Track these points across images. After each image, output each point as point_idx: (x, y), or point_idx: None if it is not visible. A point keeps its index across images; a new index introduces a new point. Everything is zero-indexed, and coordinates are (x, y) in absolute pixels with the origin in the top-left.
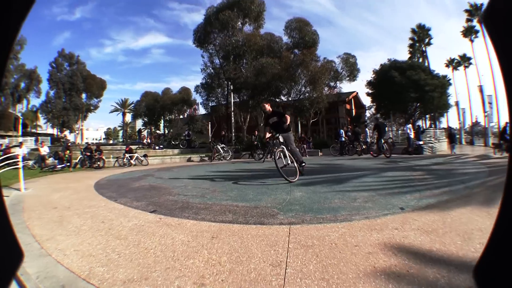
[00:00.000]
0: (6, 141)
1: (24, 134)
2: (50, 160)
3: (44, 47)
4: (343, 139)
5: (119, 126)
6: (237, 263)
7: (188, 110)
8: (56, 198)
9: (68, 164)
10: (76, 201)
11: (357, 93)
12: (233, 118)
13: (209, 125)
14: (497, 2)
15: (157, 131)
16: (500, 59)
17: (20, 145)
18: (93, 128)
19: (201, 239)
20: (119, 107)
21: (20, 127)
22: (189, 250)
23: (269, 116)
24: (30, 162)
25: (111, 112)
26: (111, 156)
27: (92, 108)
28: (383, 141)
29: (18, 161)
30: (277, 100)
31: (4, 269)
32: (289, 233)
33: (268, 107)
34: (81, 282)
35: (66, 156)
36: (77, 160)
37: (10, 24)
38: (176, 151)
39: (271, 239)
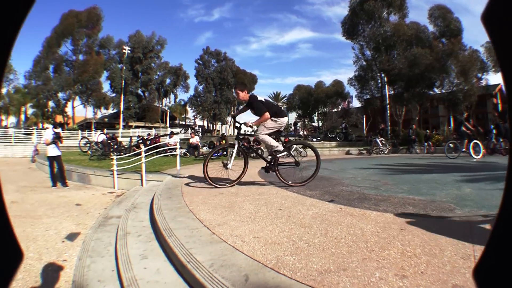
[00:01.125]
0: (153, 131)
1: (172, 125)
2: (204, 149)
3: (187, 47)
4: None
5: None
6: (431, 256)
7: (341, 103)
8: None
9: (225, 153)
10: (243, 187)
11: (501, 86)
12: (388, 111)
13: (364, 118)
14: (496, 1)
15: (312, 124)
16: (500, 59)
17: (170, 134)
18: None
19: (389, 230)
20: (271, 101)
21: (167, 119)
22: (381, 241)
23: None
24: (182, 151)
25: None
26: None
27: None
28: (501, 139)
29: (167, 149)
30: (431, 92)
31: (4, 269)
32: (470, 228)
33: (242, 95)
34: (268, 271)
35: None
36: None
37: (10, 24)
38: (333, 143)
39: (456, 232)
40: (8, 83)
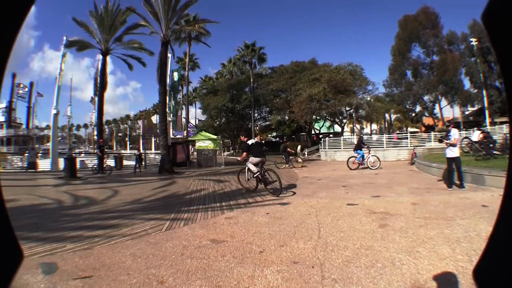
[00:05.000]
0: None
1: None
2: None
3: None
4: None
5: None
6: None
7: None
8: None
9: None
10: None
11: None
12: None
13: None
14: (496, 1)
15: None
16: (500, 59)
17: None
18: None
19: None
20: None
21: None
22: None
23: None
24: None
25: None
26: None
27: None
28: None
29: None
30: None
31: (3, 270)
32: None
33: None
34: None
35: None
36: None
37: (10, 24)
38: None
39: None
40: (367, 94)
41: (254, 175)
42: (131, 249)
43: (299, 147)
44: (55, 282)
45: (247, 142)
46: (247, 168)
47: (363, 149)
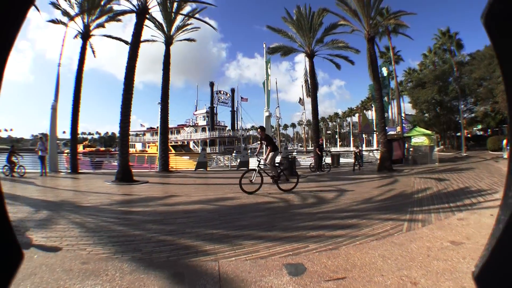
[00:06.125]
0: None
1: None
2: None
3: None
4: None
5: None
6: None
7: None
8: None
9: None
10: None
11: None
12: None
13: None
14: (497, 1)
15: None
16: (500, 59)
17: None
18: None
19: None
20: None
21: None
22: None
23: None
24: None
25: None
26: None
27: None
28: None
29: None
30: None
31: (4, 269)
32: None
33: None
34: None
35: None
36: None
37: (10, 24)
38: None
39: None
40: None
41: (276, 171)
42: (378, 250)
43: (504, 141)
44: (305, 285)
45: (269, 136)
46: (258, 168)
47: None
